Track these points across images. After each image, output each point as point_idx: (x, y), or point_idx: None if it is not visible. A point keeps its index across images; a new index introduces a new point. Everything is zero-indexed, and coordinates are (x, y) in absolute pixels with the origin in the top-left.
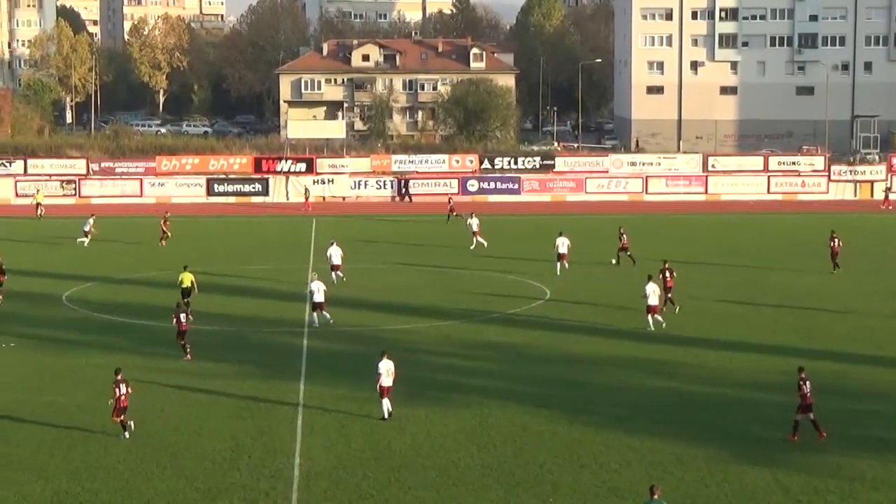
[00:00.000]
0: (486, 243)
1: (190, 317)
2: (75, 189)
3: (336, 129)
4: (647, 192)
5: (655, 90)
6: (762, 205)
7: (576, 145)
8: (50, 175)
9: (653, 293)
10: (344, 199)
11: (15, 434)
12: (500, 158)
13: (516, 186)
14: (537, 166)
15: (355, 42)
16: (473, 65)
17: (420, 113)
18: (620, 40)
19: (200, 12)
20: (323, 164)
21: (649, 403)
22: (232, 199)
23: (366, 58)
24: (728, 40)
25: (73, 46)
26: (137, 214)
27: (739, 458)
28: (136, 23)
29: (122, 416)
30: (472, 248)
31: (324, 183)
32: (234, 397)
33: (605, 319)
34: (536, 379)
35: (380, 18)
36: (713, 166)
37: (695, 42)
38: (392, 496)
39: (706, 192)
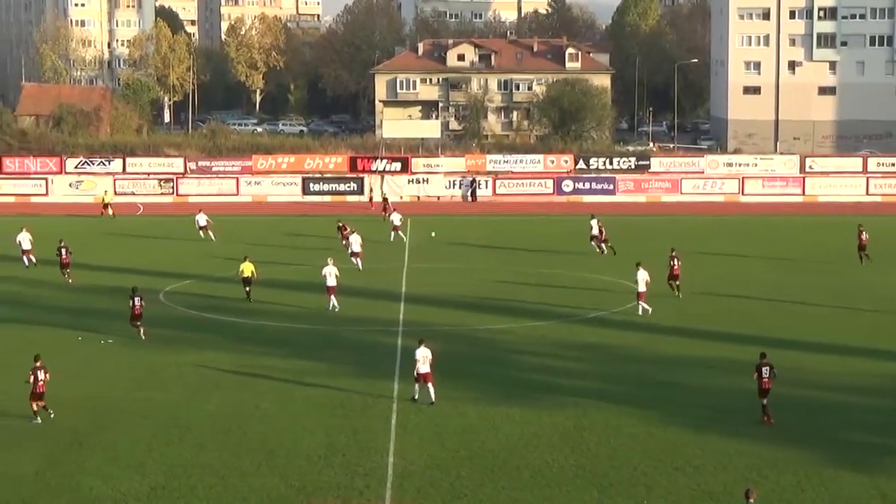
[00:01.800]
0: (405, 238)
1: (143, 302)
2: (173, 188)
3: (431, 129)
4: (743, 194)
5: (752, 90)
6: (861, 207)
7: (671, 146)
8: (148, 174)
9: (642, 280)
10: (438, 198)
11: (112, 430)
12: (595, 159)
13: (611, 187)
14: (632, 167)
15: (451, 42)
16: (569, 65)
17: (515, 113)
18: (717, 40)
19: (297, 12)
20: (418, 163)
21: (745, 405)
22: (327, 199)
23: (461, 57)
24: (826, 40)
25: (171, 46)
26: (233, 213)
27: (836, 462)
28: (233, 23)
29: (42, 402)
30: (391, 240)
31: (418, 182)
32: (328, 395)
33: (700, 320)
34: (631, 380)
35: (475, 18)
36: (811, 167)
37: (792, 42)
38: (486, 496)
39: (803, 193)
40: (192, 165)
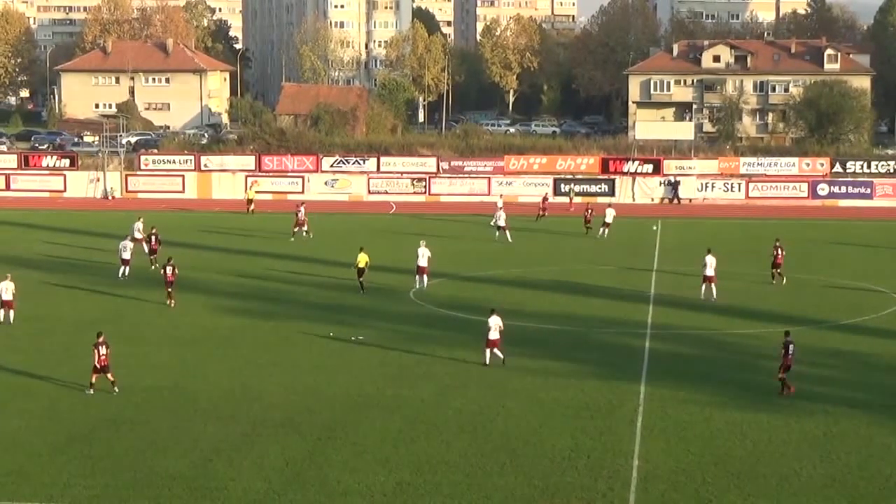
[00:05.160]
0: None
1: (175, 271)
2: (425, 187)
3: (684, 131)
4: None
5: None
6: None
7: None
8: (401, 173)
9: (709, 265)
10: (690, 200)
11: (361, 425)
12: (853, 162)
13: (868, 191)
14: (892, 171)
15: (706, 43)
16: (827, 66)
17: (770, 115)
18: None
19: (552, 13)
20: (670, 165)
21: None
22: (577, 199)
23: (716, 59)
24: None
25: (427, 47)
26: (484, 213)
27: None
28: (488, 24)
29: (107, 374)
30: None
31: (669, 184)
32: (574, 396)
33: None
34: (885, 389)
35: (732, 19)
36: None
37: None
38: (731, 503)
39: None
40: (444, 165)
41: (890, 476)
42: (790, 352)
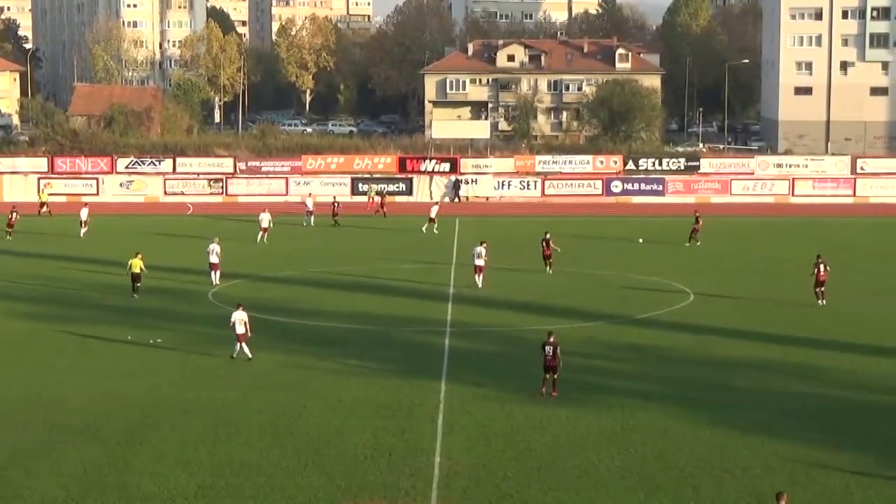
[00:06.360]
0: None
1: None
2: (222, 188)
3: (480, 130)
4: (793, 195)
5: (803, 91)
6: None
7: (721, 147)
8: (198, 174)
9: (478, 255)
10: (487, 199)
11: (161, 428)
12: (645, 159)
13: (660, 188)
14: (682, 167)
15: (500, 42)
16: (619, 65)
17: (564, 113)
18: (768, 40)
19: (347, 13)
20: (467, 164)
21: (794, 408)
22: (377, 199)
23: (511, 58)
24: (879, 40)
25: (222, 47)
26: (282, 213)
27: (886, 465)
28: (283, 23)
29: None
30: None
31: (467, 183)
32: (376, 396)
33: (750, 322)
34: (679, 381)
35: (525, 19)
36: (862, 168)
37: (845, 42)
38: (532, 497)
39: (854, 194)
40: (241, 165)
41: (685, 466)
42: (547, 353)
